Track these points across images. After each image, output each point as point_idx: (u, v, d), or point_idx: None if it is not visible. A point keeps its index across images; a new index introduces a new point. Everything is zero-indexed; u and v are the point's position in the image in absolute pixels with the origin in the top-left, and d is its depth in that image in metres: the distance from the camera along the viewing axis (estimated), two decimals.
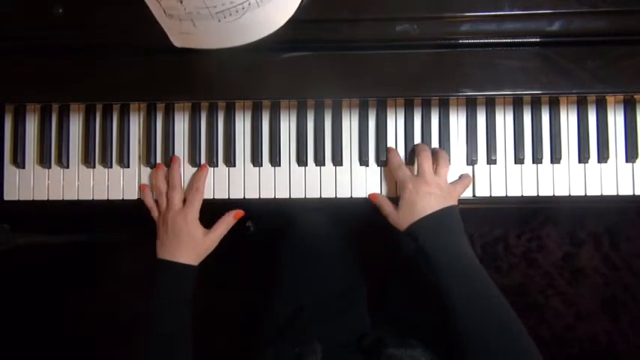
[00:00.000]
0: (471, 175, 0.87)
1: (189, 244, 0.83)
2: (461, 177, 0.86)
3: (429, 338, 0.76)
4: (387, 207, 0.82)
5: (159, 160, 0.90)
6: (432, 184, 0.79)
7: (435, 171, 0.81)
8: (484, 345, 0.68)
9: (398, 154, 0.85)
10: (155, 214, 0.87)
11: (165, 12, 0.74)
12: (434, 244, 0.75)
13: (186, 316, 0.81)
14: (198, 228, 0.85)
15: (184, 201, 0.86)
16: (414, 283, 0.91)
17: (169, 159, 0.89)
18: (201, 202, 0.86)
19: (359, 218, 1.03)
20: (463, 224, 0.79)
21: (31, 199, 0.91)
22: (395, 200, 0.83)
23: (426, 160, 0.81)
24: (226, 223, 0.87)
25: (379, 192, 0.88)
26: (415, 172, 0.83)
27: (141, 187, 0.89)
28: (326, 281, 0.95)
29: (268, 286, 0.97)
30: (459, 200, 0.86)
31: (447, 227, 0.77)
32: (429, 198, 0.78)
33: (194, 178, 0.88)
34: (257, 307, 0.97)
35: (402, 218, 0.79)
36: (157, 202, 0.88)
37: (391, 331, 0.82)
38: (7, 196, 0.91)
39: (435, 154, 0.84)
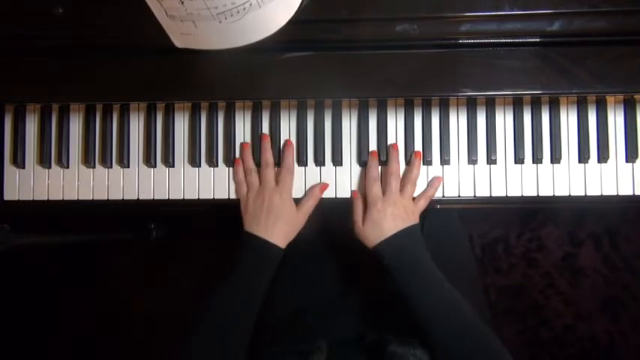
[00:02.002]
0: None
1: (285, 222, 0.82)
2: (429, 184, 0.87)
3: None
4: (357, 215, 0.84)
5: (159, 160, 0.90)
6: (399, 205, 0.82)
7: (402, 189, 0.83)
8: (454, 354, 0.72)
9: (377, 166, 0.86)
10: (243, 190, 0.86)
11: (166, 13, 0.74)
12: (397, 263, 0.78)
13: (258, 300, 0.79)
14: (293, 205, 0.85)
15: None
16: None
17: (171, 158, 0.89)
18: (293, 180, 0.86)
19: None
20: (465, 228, 0.80)
21: (31, 199, 0.91)
22: None
23: (394, 180, 0.83)
24: (313, 197, 0.86)
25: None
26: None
27: (234, 161, 0.88)
28: (326, 281, 0.95)
29: (270, 286, 0.97)
30: (459, 200, 0.87)
31: (408, 247, 0.80)
32: (394, 220, 0.80)
33: (283, 158, 0.87)
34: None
35: (366, 234, 0.81)
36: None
37: (391, 331, 0.82)
38: (7, 196, 0.91)
39: (407, 172, 0.86)
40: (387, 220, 0.80)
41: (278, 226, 0.82)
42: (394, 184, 0.83)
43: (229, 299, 0.78)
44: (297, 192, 0.88)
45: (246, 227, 0.83)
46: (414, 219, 0.83)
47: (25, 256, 1.54)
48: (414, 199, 0.85)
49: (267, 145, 0.87)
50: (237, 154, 0.89)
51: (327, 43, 0.79)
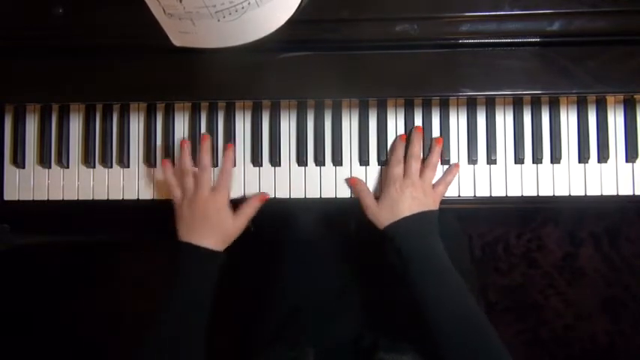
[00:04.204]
0: (462, 167, 0.87)
1: (219, 229, 0.80)
2: (445, 172, 0.86)
3: (422, 340, 0.77)
4: (368, 199, 0.82)
5: (159, 159, 0.90)
6: (418, 187, 0.81)
7: (422, 173, 0.83)
8: (455, 344, 0.71)
9: (403, 148, 0.85)
10: (178, 193, 0.83)
11: (164, 11, 0.74)
12: (408, 245, 0.77)
13: (206, 308, 0.77)
14: (228, 212, 0.82)
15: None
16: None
17: (172, 158, 0.89)
18: (231, 183, 0.84)
19: (357, 219, 1.03)
20: (459, 226, 0.79)
21: (31, 199, 0.91)
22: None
23: (414, 162, 0.82)
24: (253, 206, 0.84)
25: (379, 192, 0.87)
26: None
27: (162, 162, 0.85)
28: (323, 282, 0.95)
29: (266, 286, 0.97)
30: (459, 200, 0.87)
31: (422, 231, 0.78)
32: (411, 201, 0.79)
33: (223, 161, 0.85)
34: (255, 308, 0.97)
35: (382, 214, 0.80)
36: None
37: (386, 334, 0.82)
38: (7, 196, 0.91)
39: (427, 156, 0.85)
40: (405, 201, 0.79)
41: (214, 235, 0.79)
42: (414, 166, 0.82)
43: (178, 313, 0.75)
44: (297, 192, 0.88)
45: (181, 236, 0.80)
46: (432, 204, 0.81)
47: (26, 256, 1.54)
48: (432, 185, 0.84)
49: (207, 146, 0.84)
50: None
51: (327, 43, 0.79)
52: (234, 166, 0.89)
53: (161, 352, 0.73)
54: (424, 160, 0.85)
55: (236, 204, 0.86)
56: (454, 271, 0.76)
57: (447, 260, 0.77)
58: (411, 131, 0.87)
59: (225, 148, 0.87)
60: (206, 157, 0.83)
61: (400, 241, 0.77)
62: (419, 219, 0.79)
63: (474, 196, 0.88)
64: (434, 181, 0.85)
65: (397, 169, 0.82)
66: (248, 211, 0.84)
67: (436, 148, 0.85)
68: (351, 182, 0.85)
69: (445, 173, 0.86)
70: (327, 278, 0.96)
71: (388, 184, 0.82)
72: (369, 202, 0.82)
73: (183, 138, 0.90)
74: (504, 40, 0.78)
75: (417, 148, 0.84)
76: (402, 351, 0.74)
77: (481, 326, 0.73)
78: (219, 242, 0.80)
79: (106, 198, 0.90)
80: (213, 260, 0.79)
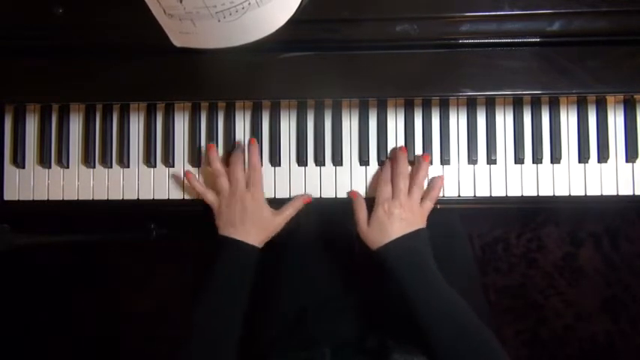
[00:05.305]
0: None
1: (258, 224, 0.82)
2: (430, 184, 0.85)
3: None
4: (361, 216, 0.83)
5: (159, 160, 0.90)
6: (406, 207, 0.81)
7: (410, 191, 0.82)
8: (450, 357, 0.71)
9: (390, 169, 0.85)
10: (210, 197, 0.84)
11: (165, 11, 0.74)
12: (399, 266, 0.77)
13: (243, 299, 0.79)
14: (266, 207, 0.84)
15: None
16: None
17: (171, 158, 0.89)
18: (262, 178, 0.85)
19: None
20: (460, 227, 0.79)
21: (31, 199, 0.91)
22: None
23: (402, 180, 0.82)
24: (295, 206, 0.86)
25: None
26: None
27: (185, 174, 0.86)
28: (327, 282, 0.95)
29: (271, 289, 0.97)
30: (459, 200, 0.87)
31: (413, 251, 0.79)
32: (400, 223, 0.80)
33: (248, 158, 0.86)
34: (260, 310, 0.97)
35: (371, 236, 0.81)
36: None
37: (391, 332, 0.82)
38: (7, 196, 0.91)
39: (413, 173, 0.84)
40: (394, 222, 0.80)
41: (253, 231, 0.82)
42: (402, 186, 0.82)
43: (214, 304, 0.78)
44: (297, 192, 0.88)
45: (221, 232, 0.83)
46: (421, 222, 0.82)
47: (25, 256, 1.54)
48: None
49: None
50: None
51: (327, 43, 0.79)
52: None
53: (200, 344, 0.75)
54: (411, 178, 0.84)
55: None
56: (448, 289, 0.76)
57: (440, 278, 0.77)
58: (394, 149, 0.87)
59: (248, 145, 0.87)
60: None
61: (392, 262, 0.78)
62: (408, 239, 0.79)
63: (474, 196, 0.88)
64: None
65: (385, 190, 0.82)
66: (290, 212, 0.85)
67: (423, 163, 0.84)
68: (352, 195, 0.86)
69: (429, 188, 0.85)
70: (330, 279, 0.96)
71: (377, 205, 0.82)
72: (360, 220, 0.83)
73: (184, 138, 0.90)
74: (504, 40, 0.78)
75: (403, 167, 0.84)
76: (413, 352, 0.74)
77: (482, 342, 0.72)
78: (258, 237, 0.82)
79: (106, 198, 0.90)
80: (250, 253, 0.82)
